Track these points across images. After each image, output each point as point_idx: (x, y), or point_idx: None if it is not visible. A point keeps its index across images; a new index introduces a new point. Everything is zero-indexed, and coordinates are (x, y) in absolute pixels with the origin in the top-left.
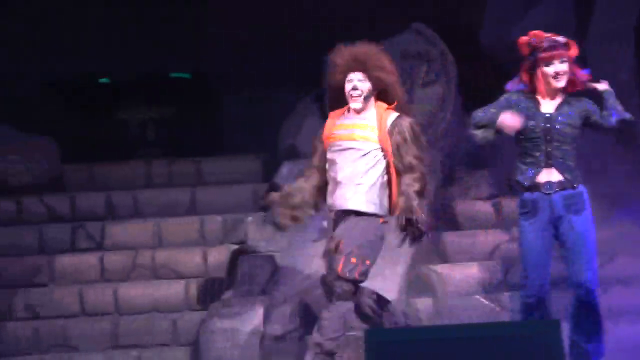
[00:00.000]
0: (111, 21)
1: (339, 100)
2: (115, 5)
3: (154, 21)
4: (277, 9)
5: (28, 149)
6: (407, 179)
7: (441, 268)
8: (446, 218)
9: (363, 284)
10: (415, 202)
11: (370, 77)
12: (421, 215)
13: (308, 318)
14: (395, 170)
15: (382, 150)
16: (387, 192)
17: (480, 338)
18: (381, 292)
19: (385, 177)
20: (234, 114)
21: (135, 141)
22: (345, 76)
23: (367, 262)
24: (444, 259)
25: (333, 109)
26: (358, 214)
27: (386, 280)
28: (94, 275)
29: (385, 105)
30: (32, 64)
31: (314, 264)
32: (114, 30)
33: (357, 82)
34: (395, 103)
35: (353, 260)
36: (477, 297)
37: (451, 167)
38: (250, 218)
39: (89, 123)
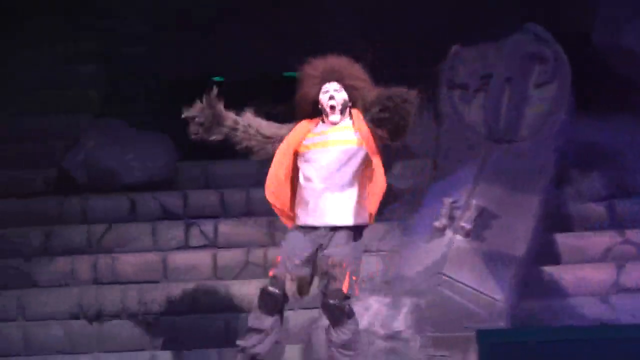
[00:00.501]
0: (226, 21)
1: (309, 114)
2: (230, 5)
3: (269, 20)
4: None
5: (143, 146)
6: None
7: (552, 270)
8: (558, 219)
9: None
10: None
11: (346, 87)
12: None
13: (419, 318)
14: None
15: (362, 147)
16: (366, 194)
17: (592, 340)
18: (490, 293)
19: (365, 178)
20: None
21: None
22: (320, 88)
23: (355, 278)
24: (556, 260)
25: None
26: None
27: (497, 278)
28: (207, 272)
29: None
30: (149, 64)
31: (425, 264)
32: (228, 30)
33: (334, 92)
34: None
35: (354, 278)
36: (589, 298)
37: (564, 168)
38: None
39: None
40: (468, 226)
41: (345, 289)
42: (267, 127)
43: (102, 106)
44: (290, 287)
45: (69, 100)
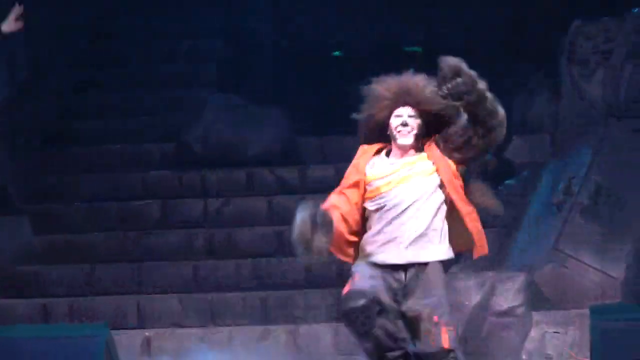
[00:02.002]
0: None
1: (374, 138)
2: None
3: None
4: None
5: (260, 119)
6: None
7: None
8: None
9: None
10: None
11: (421, 114)
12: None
13: (534, 294)
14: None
15: (441, 182)
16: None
17: None
18: (606, 270)
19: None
20: None
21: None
22: (391, 111)
23: (452, 328)
24: None
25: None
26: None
27: (613, 255)
28: None
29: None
30: (269, 36)
31: (541, 240)
32: (348, 3)
33: (408, 118)
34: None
35: (450, 329)
36: None
37: None
38: None
39: (321, 95)
40: (586, 202)
41: (446, 344)
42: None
43: (222, 80)
44: None
45: (188, 75)
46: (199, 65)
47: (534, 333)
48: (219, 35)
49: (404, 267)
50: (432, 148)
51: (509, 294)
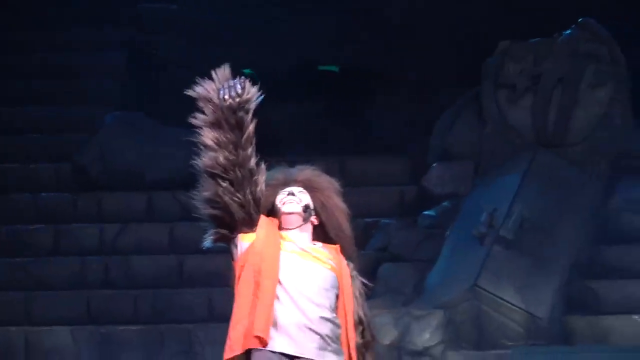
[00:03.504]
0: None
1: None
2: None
3: (307, 13)
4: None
5: (166, 141)
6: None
7: (599, 285)
8: (607, 230)
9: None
10: None
11: (312, 196)
12: None
13: (452, 333)
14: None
15: (338, 287)
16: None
17: None
18: (530, 309)
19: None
20: (387, 115)
21: (282, 136)
22: (277, 191)
23: None
24: (603, 275)
25: None
26: None
27: (538, 293)
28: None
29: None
30: (174, 54)
31: (461, 276)
32: (260, 23)
33: (297, 192)
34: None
35: None
36: (636, 317)
37: (615, 176)
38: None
39: None
40: (509, 236)
41: None
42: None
43: (122, 98)
44: None
45: (86, 91)
46: (98, 81)
47: None
48: (121, 48)
49: None
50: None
51: (425, 333)
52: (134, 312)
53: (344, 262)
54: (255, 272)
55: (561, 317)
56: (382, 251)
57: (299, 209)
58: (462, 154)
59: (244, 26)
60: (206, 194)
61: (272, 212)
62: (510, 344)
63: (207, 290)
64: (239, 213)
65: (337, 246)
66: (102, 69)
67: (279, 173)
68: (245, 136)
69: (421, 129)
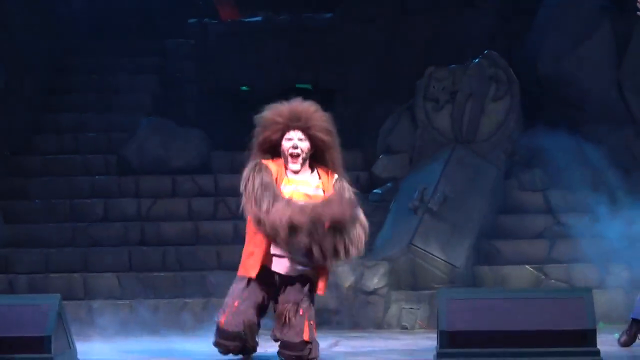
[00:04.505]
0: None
1: (268, 156)
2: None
3: (292, 41)
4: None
5: (183, 138)
6: None
7: (498, 243)
8: (505, 204)
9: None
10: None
11: (309, 137)
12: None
13: (395, 278)
14: None
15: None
16: None
17: (525, 299)
18: (450, 261)
19: None
20: (345, 119)
21: None
22: (283, 134)
23: (313, 322)
24: (502, 236)
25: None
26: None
27: (456, 249)
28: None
29: (325, 168)
30: (192, 75)
31: (400, 237)
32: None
33: (297, 141)
34: (331, 165)
35: (311, 323)
36: (527, 267)
37: (511, 164)
38: None
39: (232, 120)
40: (435, 208)
41: (306, 337)
42: None
43: (153, 107)
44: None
45: (127, 103)
46: (136, 96)
47: (393, 308)
48: (154, 72)
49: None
50: (329, 182)
51: (375, 278)
52: (163, 263)
53: (332, 180)
54: None
55: (472, 267)
56: None
57: (302, 161)
58: (401, 149)
59: (241, 54)
60: None
61: (276, 147)
62: (436, 286)
63: (216, 247)
64: None
65: (329, 171)
66: (139, 87)
67: (282, 110)
68: None
69: (371, 130)
